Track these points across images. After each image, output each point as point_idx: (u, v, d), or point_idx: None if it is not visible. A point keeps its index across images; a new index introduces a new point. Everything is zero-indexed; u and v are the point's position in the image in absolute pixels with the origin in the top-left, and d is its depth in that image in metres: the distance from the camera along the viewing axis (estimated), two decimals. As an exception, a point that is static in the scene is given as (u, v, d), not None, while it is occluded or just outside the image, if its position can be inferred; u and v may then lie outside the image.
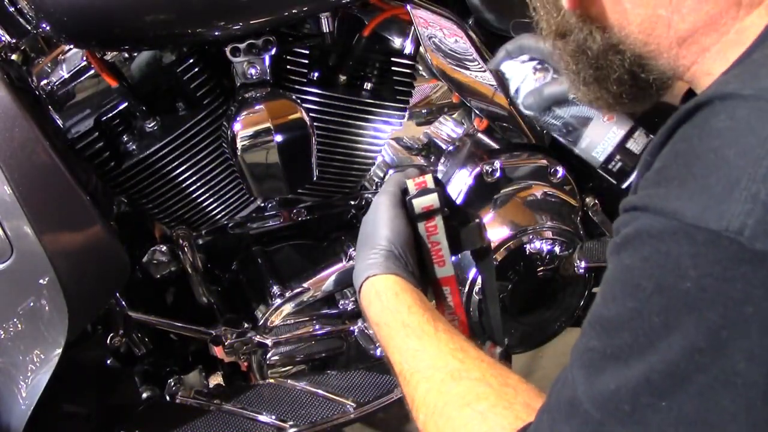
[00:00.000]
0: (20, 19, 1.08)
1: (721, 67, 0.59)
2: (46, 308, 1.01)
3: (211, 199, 1.23)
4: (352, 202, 1.36)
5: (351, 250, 1.26)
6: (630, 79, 0.68)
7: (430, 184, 0.87)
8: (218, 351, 1.26)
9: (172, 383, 1.26)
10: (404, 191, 0.87)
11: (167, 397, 1.26)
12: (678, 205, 0.48)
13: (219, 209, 1.25)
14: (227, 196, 1.24)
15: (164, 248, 1.22)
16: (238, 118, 1.11)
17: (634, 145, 1.05)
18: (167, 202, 1.20)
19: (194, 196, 1.21)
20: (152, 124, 1.15)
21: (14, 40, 1.18)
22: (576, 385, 0.53)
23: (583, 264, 1.32)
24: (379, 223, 0.84)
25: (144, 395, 1.25)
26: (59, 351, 1.02)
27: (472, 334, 0.99)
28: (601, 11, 0.64)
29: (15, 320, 1.01)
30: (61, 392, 1.09)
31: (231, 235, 1.29)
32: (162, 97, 1.17)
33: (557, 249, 1.32)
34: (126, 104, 1.14)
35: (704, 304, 0.47)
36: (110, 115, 1.14)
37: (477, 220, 0.91)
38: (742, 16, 0.58)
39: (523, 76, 1.06)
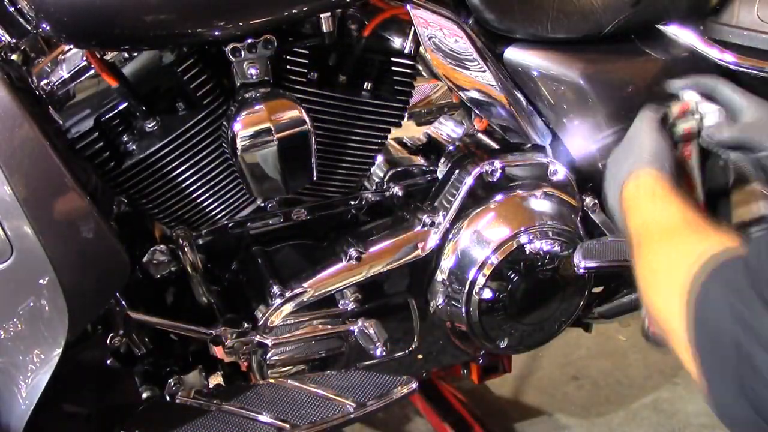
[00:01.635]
0: (20, 19, 1.08)
1: None
2: (46, 308, 1.01)
3: (211, 199, 1.23)
4: (352, 202, 1.36)
5: (351, 249, 1.26)
6: None
7: (693, 107, 0.87)
8: (218, 351, 1.26)
9: (172, 383, 1.26)
10: (663, 118, 0.87)
11: (167, 397, 1.26)
12: None
13: (219, 209, 1.25)
14: (227, 196, 1.24)
15: (164, 248, 1.22)
16: (238, 118, 1.11)
17: None
18: (167, 202, 1.20)
19: (194, 196, 1.21)
20: (152, 124, 1.15)
21: (14, 40, 1.18)
22: None
23: (583, 264, 1.32)
24: (644, 140, 0.86)
25: (144, 395, 1.25)
26: (59, 351, 1.02)
27: None
28: None
29: (15, 320, 1.01)
30: (61, 392, 1.09)
31: (231, 235, 1.29)
32: (162, 97, 1.17)
33: (557, 249, 1.33)
34: (126, 104, 1.14)
35: None
36: (110, 115, 1.14)
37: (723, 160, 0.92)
38: None
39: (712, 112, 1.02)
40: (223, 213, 1.25)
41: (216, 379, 1.34)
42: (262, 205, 1.29)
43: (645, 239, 0.79)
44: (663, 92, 1.08)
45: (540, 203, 1.35)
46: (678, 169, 0.87)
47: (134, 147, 1.15)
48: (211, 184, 1.21)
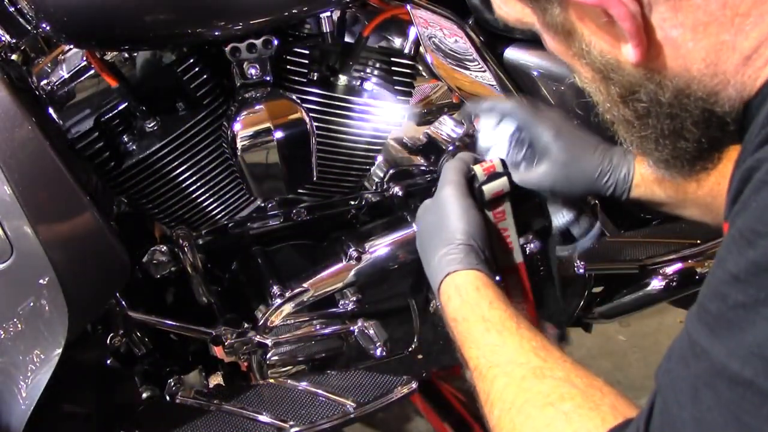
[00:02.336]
0: (20, 19, 1.08)
1: None
2: (46, 308, 1.01)
3: (211, 199, 1.23)
4: (352, 202, 1.36)
5: (351, 249, 1.26)
6: (705, 119, 0.62)
7: (499, 168, 0.84)
8: (218, 351, 1.26)
9: (172, 383, 1.26)
10: (470, 179, 0.84)
11: (167, 397, 1.26)
12: None
13: (219, 209, 1.25)
14: (227, 196, 1.24)
15: (164, 248, 1.22)
16: (238, 118, 1.11)
17: (576, 229, 1.00)
18: (167, 202, 1.20)
19: (194, 196, 1.21)
20: (152, 124, 1.15)
21: (14, 40, 1.18)
22: (711, 354, 0.47)
23: (582, 264, 1.32)
24: (452, 216, 0.82)
25: (144, 395, 1.25)
26: (59, 351, 1.02)
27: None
28: (663, 61, 0.59)
29: (15, 320, 1.01)
30: (61, 392, 1.09)
31: (231, 235, 1.29)
32: (162, 97, 1.17)
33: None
34: (126, 104, 1.14)
35: None
36: (110, 115, 1.14)
37: (536, 199, 0.89)
38: None
39: (496, 142, 0.99)
40: (223, 213, 1.25)
41: (216, 379, 1.34)
42: (262, 205, 1.29)
43: (496, 398, 0.70)
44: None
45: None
46: (492, 234, 0.83)
47: (134, 147, 1.15)
48: (211, 184, 1.21)
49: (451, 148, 1.40)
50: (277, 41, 1.11)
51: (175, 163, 1.16)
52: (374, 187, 1.39)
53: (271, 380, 1.31)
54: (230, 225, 1.28)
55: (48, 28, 1.01)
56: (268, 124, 1.11)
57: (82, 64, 1.16)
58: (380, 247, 1.27)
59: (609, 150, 0.96)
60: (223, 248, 1.31)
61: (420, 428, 1.97)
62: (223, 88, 1.17)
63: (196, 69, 1.13)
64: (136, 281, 1.23)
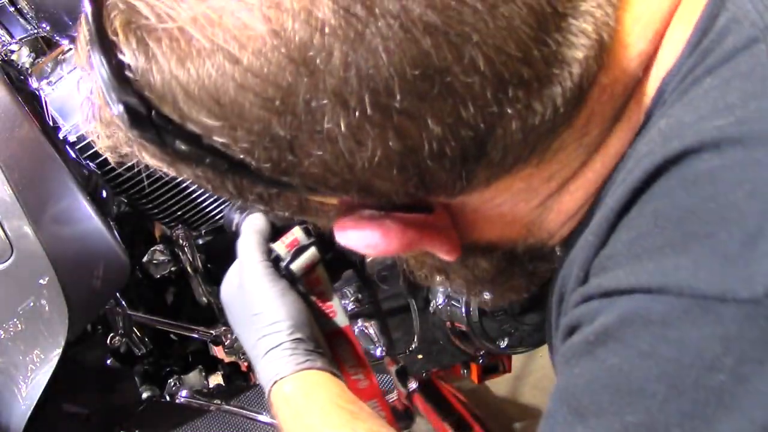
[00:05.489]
0: (20, 19, 1.08)
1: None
2: (46, 308, 1.01)
3: (211, 199, 1.23)
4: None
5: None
6: (535, 258, 0.56)
7: (303, 239, 0.72)
8: (218, 351, 1.26)
9: (172, 383, 1.26)
10: (275, 258, 0.73)
11: (167, 397, 1.26)
12: (684, 275, 0.36)
13: (219, 209, 1.25)
14: (227, 196, 1.24)
15: (164, 248, 1.22)
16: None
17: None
18: (167, 202, 1.20)
19: (194, 196, 1.21)
20: (152, 124, 1.15)
21: (14, 40, 1.18)
22: None
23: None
24: (268, 306, 0.70)
25: (144, 395, 1.25)
26: (59, 351, 1.02)
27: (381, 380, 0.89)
28: (480, 238, 0.52)
29: (15, 320, 1.01)
30: (61, 392, 1.09)
31: (231, 235, 1.29)
32: (162, 97, 1.17)
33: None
34: (126, 104, 1.14)
35: (749, 400, 0.34)
36: (110, 115, 1.14)
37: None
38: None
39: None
40: (223, 213, 1.25)
41: (216, 379, 1.34)
42: (262, 205, 1.28)
43: None
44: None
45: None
46: (312, 306, 0.73)
47: (134, 147, 1.15)
48: (211, 184, 1.21)
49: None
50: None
51: (175, 163, 1.16)
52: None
53: (271, 380, 1.30)
54: (230, 225, 1.28)
55: (48, 28, 1.01)
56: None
57: (82, 64, 1.15)
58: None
59: None
60: (223, 248, 1.31)
61: (420, 428, 1.97)
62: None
63: (196, 69, 1.13)
64: (136, 281, 1.23)
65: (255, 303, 0.71)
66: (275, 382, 0.68)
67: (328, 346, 0.74)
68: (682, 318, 0.36)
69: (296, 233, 0.72)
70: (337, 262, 0.76)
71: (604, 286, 0.40)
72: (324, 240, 0.73)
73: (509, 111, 0.39)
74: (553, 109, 0.41)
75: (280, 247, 0.72)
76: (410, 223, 0.46)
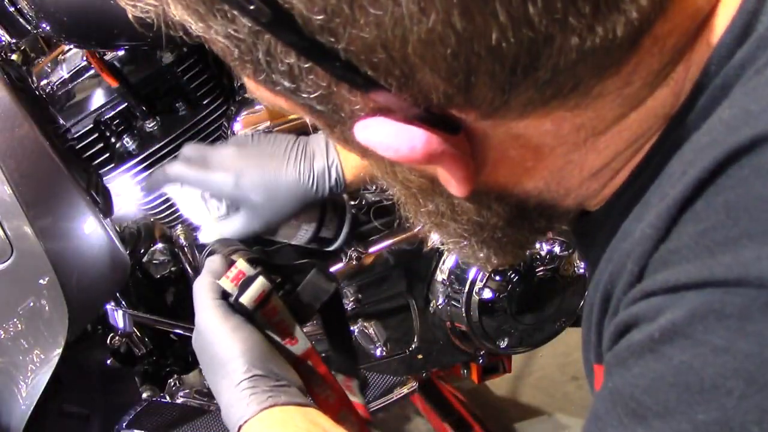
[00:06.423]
0: (20, 19, 1.09)
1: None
2: (46, 308, 1.01)
3: (211, 199, 1.23)
4: (352, 202, 1.36)
5: (351, 250, 1.26)
6: (543, 225, 0.54)
7: (248, 270, 0.70)
8: (218, 351, 1.26)
9: (172, 383, 1.27)
10: (224, 293, 0.71)
11: (167, 397, 1.26)
12: (766, 266, 0.34)
13: (219, 209, 1.25)
14: (227, 196, 1.24)
15: (164, 248, 1.22)
16: (238, 118, 1.11)
17: (327, 232, 0.94)
18: (167, 202, 1.20)
19: (194, 196, 1.21)
20: (152, 124, 1.15)
21: (14, 40, 1.18)
22: None
23: (583, 264, 1.32)
24: (221, 345, 0.69)
25: (144, 395, 1.26)
26: (59, 351, 1.02)
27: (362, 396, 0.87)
28: (495, 181, 0.50)
29: (15, 320, 1.01)
30: (61, 392, 1.09)
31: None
32: (162, 97, 1.17)
33: (557, 249, 1.33)
34: (126, 104, 1.14)
35: None
36: (110, 115, 1.14)
37: (314, 268, 0.76)
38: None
39: (194, 205, 0.88)
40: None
41: (216, 379, 1.34)
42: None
43: None
44: None
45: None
46: (271, 337, 0.72)
47: (134, 147, 1.15)
48: (211, 184, 1.21)
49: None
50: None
51: (175, 163, 1.17)
52: (374, 188, 1.39)
53: (271, 380, 1.31)
54: (230, 225, 1.28)
55: (48, 28, 1.01)
56: (268, 124, 1.11)
57: (82, 64, 1.16)
58: (381, 248, 1.28)
59: (301, 153, 0.85)
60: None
61: (420, 428, 1.97)
62: (223, 88, 1.17)
63: (196, 69, 1.14)
64: (136, 281, 1.23)
65: (209, 344, 0.69)
66: (240, 427, 0.66)
67: (296, 371, 0.72)
68: (764, 310, 0.34)
69: (240, 266, 0.70)
70: (291, 277, 0.74)
71: (671, 281, 0.38)
72: (270, 267, 0.72)
73: (572, 22, 0.37)
74: (612, 37, 0.39)
75: (226, 282, 0.70)
76: (435, 136, 0.44)
